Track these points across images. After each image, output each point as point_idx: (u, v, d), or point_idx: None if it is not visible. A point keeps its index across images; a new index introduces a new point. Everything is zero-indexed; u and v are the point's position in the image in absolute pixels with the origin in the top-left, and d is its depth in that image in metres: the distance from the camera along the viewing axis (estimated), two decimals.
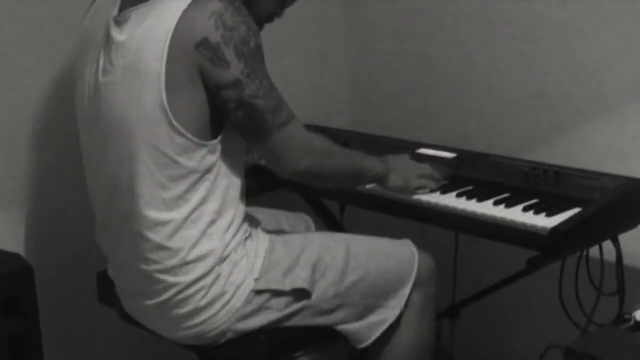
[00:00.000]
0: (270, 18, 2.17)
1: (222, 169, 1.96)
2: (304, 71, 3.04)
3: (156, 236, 1.94)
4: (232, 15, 1.86)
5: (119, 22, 1.92)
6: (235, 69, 1.86)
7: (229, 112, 1.90)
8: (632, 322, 1.88)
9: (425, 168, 2.27)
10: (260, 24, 2.08)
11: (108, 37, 1.94)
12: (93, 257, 2.22)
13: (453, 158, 2.43)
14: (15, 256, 2.35)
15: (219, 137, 1.93)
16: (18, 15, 2.39)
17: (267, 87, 1.91)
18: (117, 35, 1.91)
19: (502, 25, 2.65)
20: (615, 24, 2.36)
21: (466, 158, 2.42)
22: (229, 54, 1.85)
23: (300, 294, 2.03)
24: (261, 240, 2.06)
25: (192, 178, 1.92)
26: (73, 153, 2.16)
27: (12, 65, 2.41)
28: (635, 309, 1.96)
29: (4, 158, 2.45)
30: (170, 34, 1.83)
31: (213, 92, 1.88)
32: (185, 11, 1.84)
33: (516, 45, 2.62)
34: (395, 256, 2.16)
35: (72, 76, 2.11)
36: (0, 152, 2.43)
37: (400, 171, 2.21)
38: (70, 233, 2.54)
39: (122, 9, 1.94)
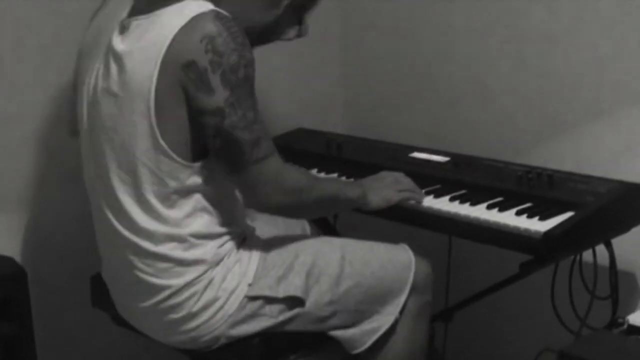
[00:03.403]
0: (266, 35, 2.09)
1: (212, 186, 1.94)
2: (298, 75, 3.04)
3: (148, 244, 1.94)
4: (224, 41, 1.81)
5: (124, 28, 1.91)
6: (219, 97, 1.82)
7: (207, 138, 1.87)
8: (625, 326, 1.88)
9: (406, 182, 2.24)
10: (253, 41, 1.94)
11: (110, 44, 1.92)
12: (86, 261, 2.22)
13: (446, 162, 2.43)
14: (8, 260, 2.35)
15: (204, 161, 1.91)
16: (15, 16, 2.40)
17: (250, 120, 1.86)
18: (118, 44, 1.90)
19: (496, 30, 2.65)
20: (609, 29, 2.37)
21: (459, 162, 2.42)
22: (215, 80, 1.81)
23: (294, 301, 2.01)
24: (255, 246, 2.05)
25: (176, 196, 1.91)
26: (68, 157, 2.16)
27: (7, 68, 2.41)
28: (629, 312, 1.97)
29: None
30: (163, 53, 1.81)
31: (194, 116, 1.85)
32: (180, 30, 1.81)
33: (510, 49, 2.62)
34: (392, 262, 2.13)
35: (75, 77, 2.10)
36: None
37: (378, 190, 2.18)
38: (63, 237, 2.53)
39: (129, 16, 1.93)
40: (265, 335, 2.02)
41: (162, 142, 1.85)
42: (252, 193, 1.94)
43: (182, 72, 1.81)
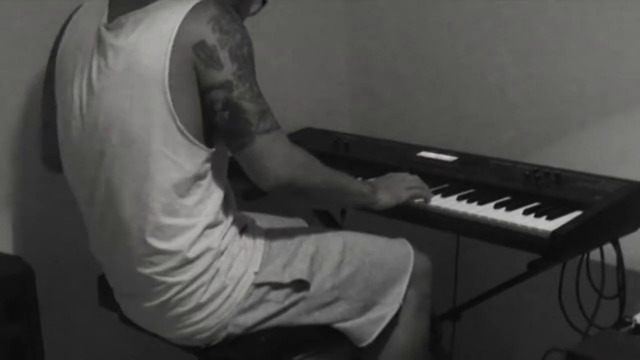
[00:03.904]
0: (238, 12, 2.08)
1: (215, 172, 1.97)
2: (306, 74, 3.04)
3: (155, 240, 1.95)
4: (228, 22, 1.90)
5: (112, 29, 1.94)
6: (227, 71, 1.88)
7: (216, 113, 1.90)
8: (633, 326, 1.87)
9: (414, 179, 2.26)
10: None
11: (101, 43, 1.95)
12: (94, 260, 2.22)
13: (454, 161, 2.43)
14: (16, 259, 2.35)
15: (212, 145, 1.95)
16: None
17: (256, 92, 1.92)
18: (114, 40, 1.93)
19: (503, 28, 2.65)
20: (616, 26, 2.37)
21: (467, 161, 2.42)
22: (224, 56, 1.88)
23: (299, 285, 2.04)
24: (258, 234, 2.07)
25: (189, 183, 1.93)
26: None
27: (8, 66, 2.41)
28: (636, 312, 1.96)
29: (5, 161, 2.45)
30: (173, 36, 1.87)
31: (204, 93, 1.90)
32: (186, 16, 1.88)
33: (517, 47, 2.62)
34: (392, 252, 2.17)
35: (57, 83, 2.09)
36: (0, 155, 2.44)
37: (387, 188, 2.19)
38: (71, 236, 2.53)
39: (111, 17, 1.96)
40: (271, 333, 2.03)
41: (180, 124, 1.89)
42: (260, 167, 1.93)
43: (193, 53, 1.88)
